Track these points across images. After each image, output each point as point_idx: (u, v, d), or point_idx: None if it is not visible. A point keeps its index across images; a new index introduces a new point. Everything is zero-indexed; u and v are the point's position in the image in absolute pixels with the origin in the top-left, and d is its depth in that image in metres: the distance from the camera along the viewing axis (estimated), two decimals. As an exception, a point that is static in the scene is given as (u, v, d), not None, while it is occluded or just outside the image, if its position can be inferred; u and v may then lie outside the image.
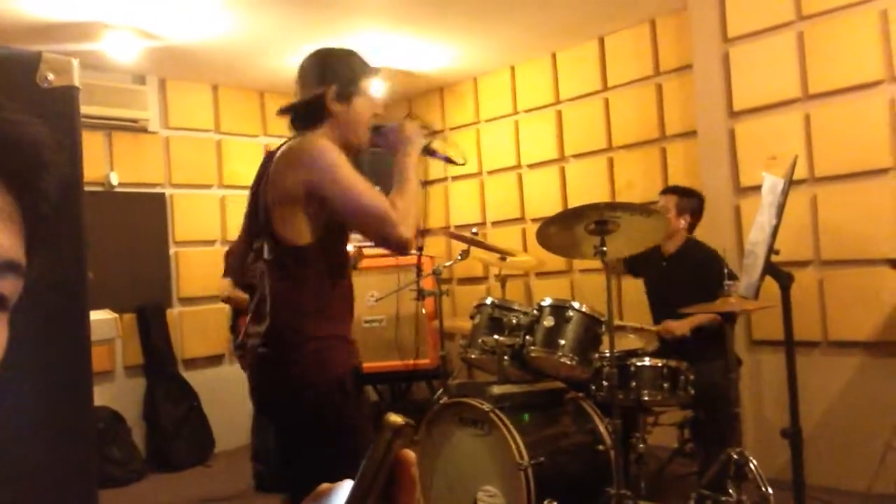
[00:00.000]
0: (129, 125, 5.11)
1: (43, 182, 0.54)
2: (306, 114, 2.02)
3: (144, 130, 5.22)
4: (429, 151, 2.13)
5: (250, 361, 2.02)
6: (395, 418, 0.48)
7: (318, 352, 1.89)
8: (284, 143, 1.98)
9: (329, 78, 2.00)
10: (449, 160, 2.26)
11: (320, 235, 1.90)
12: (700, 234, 3.87)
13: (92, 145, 4.83)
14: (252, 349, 1.98)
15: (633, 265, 3.89)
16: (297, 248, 1.88)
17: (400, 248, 1.91)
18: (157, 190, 5.31)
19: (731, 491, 2.89)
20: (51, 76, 1.73)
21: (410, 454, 0.49)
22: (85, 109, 2.54)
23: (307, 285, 1.91)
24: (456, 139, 5.90)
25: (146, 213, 5.22)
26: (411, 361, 4.62)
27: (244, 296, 4.07)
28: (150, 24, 4.30)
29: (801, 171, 3.75)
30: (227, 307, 4.38)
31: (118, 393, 4.96)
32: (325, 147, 1.89)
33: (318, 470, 1.89)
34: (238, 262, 4.18)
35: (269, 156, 2.00)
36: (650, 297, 3.84)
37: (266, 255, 1.94)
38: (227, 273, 4.25)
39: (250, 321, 2.03)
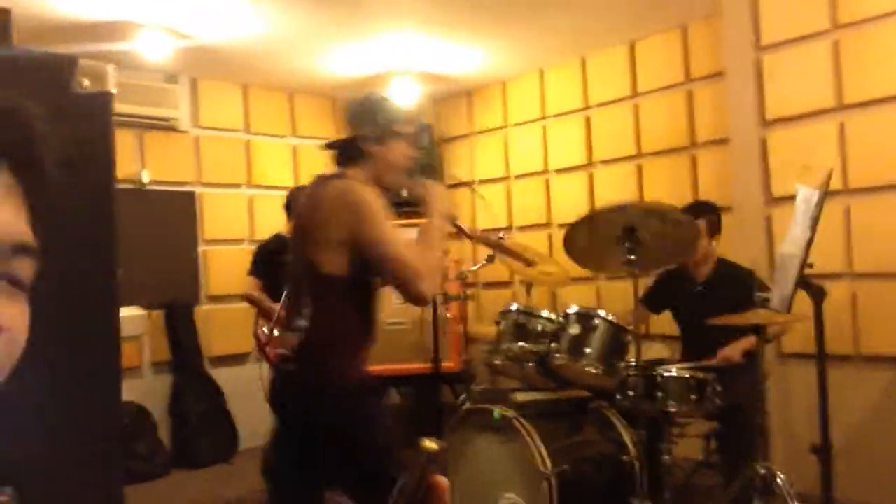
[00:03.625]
0: (160, 124, 5.17)
1: (39, 155, 0.54)
2: (346, 152, 2.24)
3: (175, 129, 5.28)
4: (456, 227, 2.37)
5: (274, 375, 2.23)
6: (431, 444, 0.48)
7: (336, 369, 2.10)
8: (329, 178, 2.18)
9: (368, 121, 2.21)
10: (469, 237, 2.51)
11: (354, 270, 2.08)
12: (730, 244, 3.82)
13: (124, 143, 4.89)
14: (279, 364, 2.21)
15: (656, 299, 3.78)
16: (333, 278, 2.08)
17: (420, 301, 2.11)
18: (187, 188, 5.37)
19: (757, 505, 2.84)
20: (86, 81, 1.76)
21: (444, 481, 0.49)
22: (117, 108, 2.58)
23: (338, 312, 2.12)
24: (483, 192, 5.90)
25: (176, 211, 5.28)
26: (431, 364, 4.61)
27: (265, 299, 4.10)
28: (182, 23, 4.35)
29: (834, 182, 3.68)
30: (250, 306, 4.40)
31: (145, 389, 5.02)
32: (368, 195, 2.08)
33: (356, 468, 2.10)
34: (265, 261, 4.21)
35: (315, 188, 2.20)
36: (684, 326, 3.71)
37: (306, 281, 2.14)
38: (253, 272, 4.26)
39: (281, 333, 2.21)
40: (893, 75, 3.57)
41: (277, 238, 4.30)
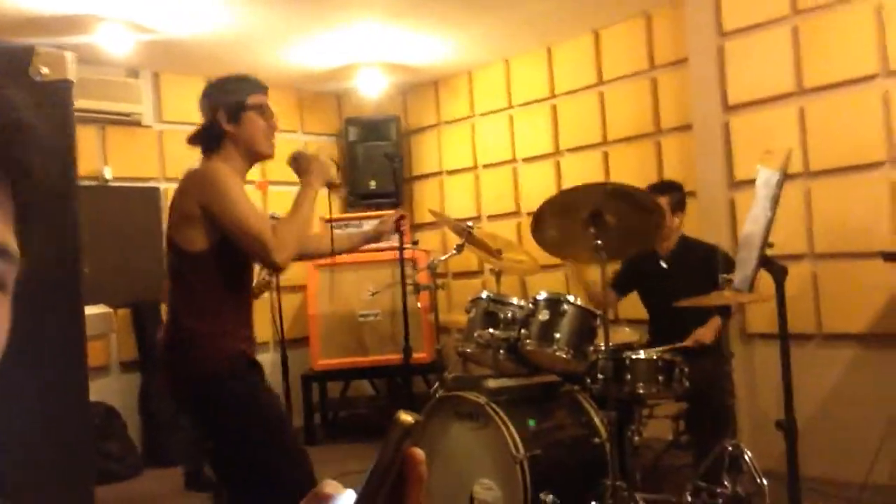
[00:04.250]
0: (122, 119, 5.08)
1: (25, 150, 0.50)
2: (207, 139, 2.29)
3: (138, 124, 5.20)
4: (329, 185, 2.43)
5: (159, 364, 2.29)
6: (406, 417, 0.48)
7: (204, 346, 2.13)
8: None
9: (217, 103, 2.27)
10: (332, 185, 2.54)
11: (214, 246, 2.13)
12: (694, 227, 3.88)
13: (85, 139, 4.81)
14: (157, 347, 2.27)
15: (624, 280, 3.84)
16: (191, 255, 2.13)
17: (274, 269, 2.24)
18: (152, 184, 5.29)
19: (726, 482, 2.91)
20: (44, 70, 1.72)
21: (420, 452, 0.49)
22: (78, 103, 2.53)
23: (197, 288, 2.16)
24: (451, 182, 5.91)
25: (140, 207, 5.20)
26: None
27: None
28: (144, 17, 4.28)
29: (795, 165, 3.76)
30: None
31: (113, 388, 4.95)
32: (218, 171, 2.17)
33: (240, 451, 2.14)
34: None
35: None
36: (650, 305, 3.78)
37: (167, 263, 2.23)
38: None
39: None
40: (851, 60, 3.65)
41: None
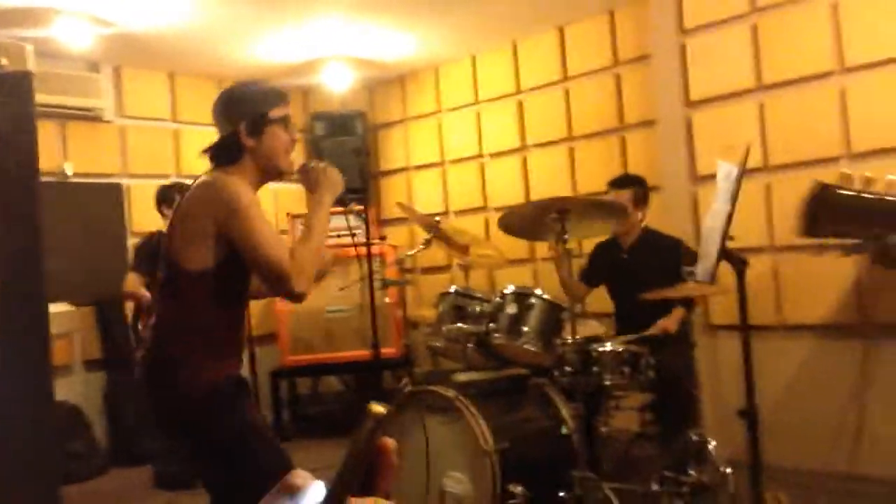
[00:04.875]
0: (83, 114, 4.99)
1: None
2: (224, 153, 2.11)
3: (99, 119, 5.11)
4: (341, 202, 2.29)
5: (136, 375, 2.13)
6: (378, 408, 0.49)
7: (184, 368, 2.01)
8: (200, 177, 2.09)
9: (238, 115, 2.09)
10: (357, 214, 2.45)
11: (217, 265, 1.99)
12: (658, 221, 3.93)
13: (45, 135, 4.69)
14: (137, 364, 2.11)
15: (591, 273, 3.91)
16: (191, 273, 1.99)
17: (291, 300, 2.04)
18: (114, 180, 5.21)
19: (691, 472, 2.96)
20: (4, 61, 1.69)
21: (391, 442, 0.50)
22: (38, 98, 2.48)
23: (193, 308, 2.02)
24: (418, 177, 5.90)
25: (103, 203, 5.12)
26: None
27: (147, 294, 4.07)
28: (104, 10, 4.20)
29: (756, 160, 3.84)
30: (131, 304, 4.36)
31: (78, 387, 4.87)
32: (239, 191, 1.99)
33: (215, 472, 2.05)
34: (149, 257, 4.14)
35: (188, 188, 2.11)
36: (615, 295, 3.84)
37: (161, 274, 2.06)
38: (136, 268, 4.21)
39: (146, 334, 2.15)
40: (809, 56, 3.73)
41: (161, 234, 4.25)
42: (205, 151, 2.15)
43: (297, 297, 2.01)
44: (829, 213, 1.14)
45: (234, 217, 1.95)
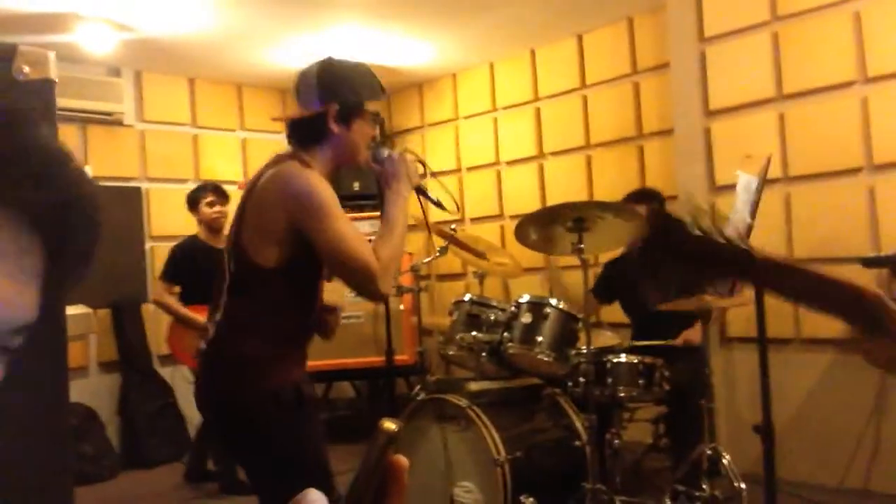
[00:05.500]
0: (103, 118, 5.05)
1: (73, 223, 0.49)
2: (305, 131, 1.98)
3: (120, 124, 5.16)
4: (421, 192, 2.09)
5: (198, 368, 2.04)
6: (390, 425, 0.49)
7: (251, 367, 1.89)
8: (275, 163, 1.93)
9: (332, 97, 1.95)
10: (439, 205, 2.18)
11: (289, 262, 1.87)
12: (676, 231, 3.90)
13: (66, 139, 4.76)
14: (199, 357, 1.99)
15: (604, 287, 3.88)
16: (262, 270, 1.86)
17: (375, 298, 1.93)
18: (133, 184, 5.25)
19: (704, 486, 2.93)
20: (26, 69, 1.71)
21: (403, 460, 0.49)
22: (58, 102, 2.50)
23: (264, 306, 1.90)
24: (446, 183, 5.91)
25: (121, 207, 5.16)
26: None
27: (177, 304, 4.10)
28: (125, 15, 4.25)
29: (775, 170, 3.80)
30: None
31: (92, 389, 4.91)
32: (318, 187, 1.85)
33: (260, 477, 1.95)
34: (181, 263, 4.19)
35: (259, 174, 1.95)
36: (631, 310, 3.82)
37: (230, 268, 1.92)
38: (165, 275, 4.22)
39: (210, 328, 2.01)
40: (830, 65, 3.69)
41: (192, 240, 4.31)
42: (287, 124, 2.02)
43: (381, 298, 1.92)
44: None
45: (312, 215, 1.82)
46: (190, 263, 4.13)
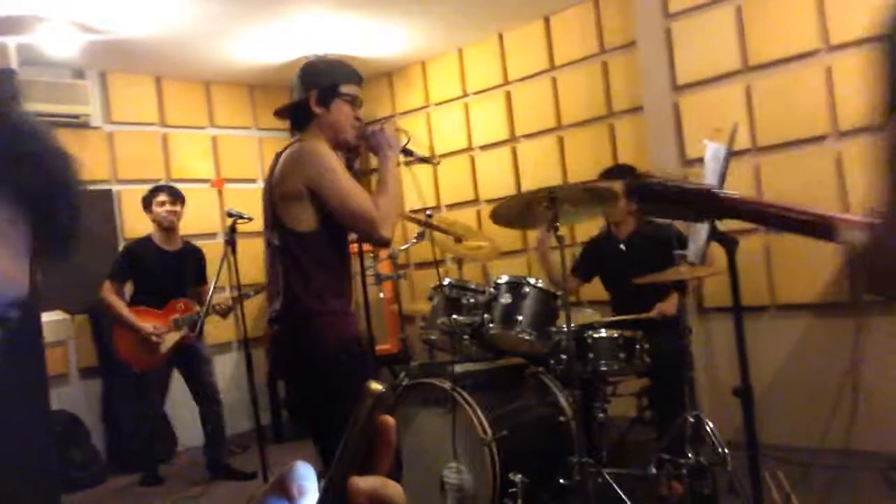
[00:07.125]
0: (70, 121, 4.97)
1: (72, 214, 0.51)
2: (296, 116, 2.36)
3: (86, 126, 5.09)
4: (406, 152, 2.48)
5: (269, 338, 2.33)
6: (376, 385, 0.50)
7: (324, 324, 2.20)
8: (285, 148, 2.29)
9: (312, 84, 2.31)
10: (424, 160, 2.63)
11: (322, 225, 2.20)
12: (650, 206, 3.94)
13: (33, 143, 4.69)
14: (269, 326, 2.30)
15: (585, 266, 3.90)
16: (301, 235, 2.19)
17: (382, 244, 2.35)
18: (104, 187, 5.19)
19: (689, 453, 2.98)
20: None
21: (390, 420, 0.50)
22: (23, 106, 2.46)
23: (311, 267, 2.21)
24: (419, 170, 5.93)
25: (93, 210, 5.09)
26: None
27: (117, 302, 4.21)
28: (87, 16, 4.18)
29: (744, 141, 3.85)
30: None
31: (75, 396, 4.87)
32: (323, 151, 2.21)
33: (332, 422, 2.20)
34: (130, 263, 4.29)
35: (277, 156, 2.29)
36: (611, 286, 3.83)
37: (276, 241, 2.24)
38: (112, 274, 4.27)
39: (268, 303, 2.35)
40: (794, 35, 3.74)
41: (145, 241, 4.39)
42: (277, 112, 2.41)
43: (385, 242, 2.27)
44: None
45: (321, 174, 2.16)
46: (139, 263, 4.26)
